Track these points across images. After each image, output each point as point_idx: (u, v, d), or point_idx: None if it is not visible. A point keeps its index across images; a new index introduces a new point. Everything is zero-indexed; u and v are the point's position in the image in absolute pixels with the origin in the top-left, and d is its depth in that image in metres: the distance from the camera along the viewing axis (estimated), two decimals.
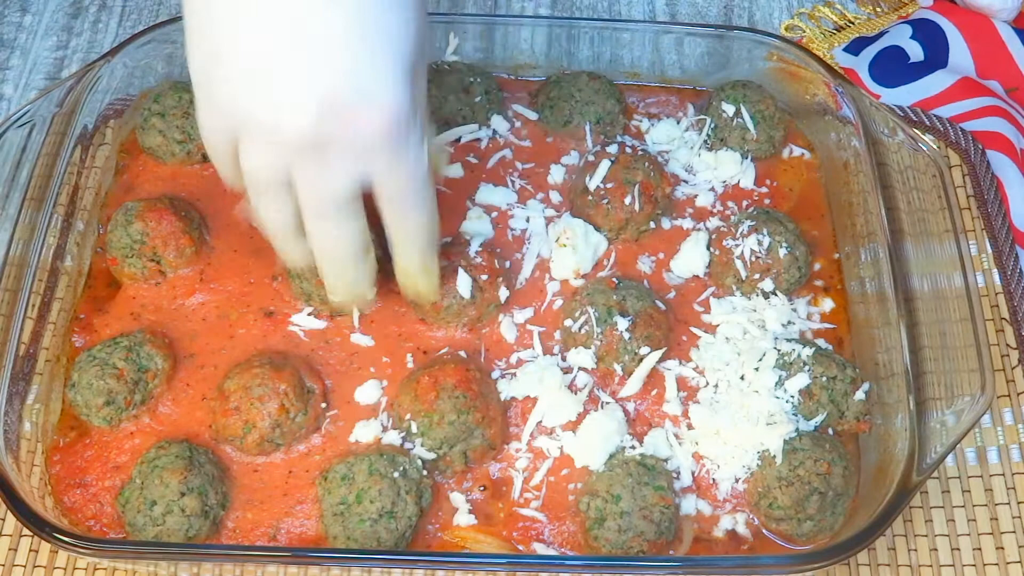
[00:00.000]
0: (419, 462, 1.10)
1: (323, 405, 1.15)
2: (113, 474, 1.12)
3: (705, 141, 1.35)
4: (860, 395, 1.15)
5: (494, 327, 1.21)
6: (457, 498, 1.11)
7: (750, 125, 1.33)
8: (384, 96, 0.92)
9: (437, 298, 1.16)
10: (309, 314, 1.21)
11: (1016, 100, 1.53)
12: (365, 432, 1.13)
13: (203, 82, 0.95)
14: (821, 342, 1.20)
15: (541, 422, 1.14)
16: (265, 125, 0.92)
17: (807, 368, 1.15)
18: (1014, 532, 1.18)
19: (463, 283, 1.17)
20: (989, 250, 1.38)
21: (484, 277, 1.19)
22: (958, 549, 1.18)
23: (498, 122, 1.35)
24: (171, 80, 1.36)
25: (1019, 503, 1.20)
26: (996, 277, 1.36)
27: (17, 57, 1.58)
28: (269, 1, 0.89)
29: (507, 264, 1.24)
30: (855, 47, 1.59)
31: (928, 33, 1.56)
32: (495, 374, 1.18)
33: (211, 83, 0.94)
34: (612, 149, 1.27)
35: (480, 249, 1.21)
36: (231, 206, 1.29)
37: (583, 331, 1.18)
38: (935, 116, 1.47)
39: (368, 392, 1.16)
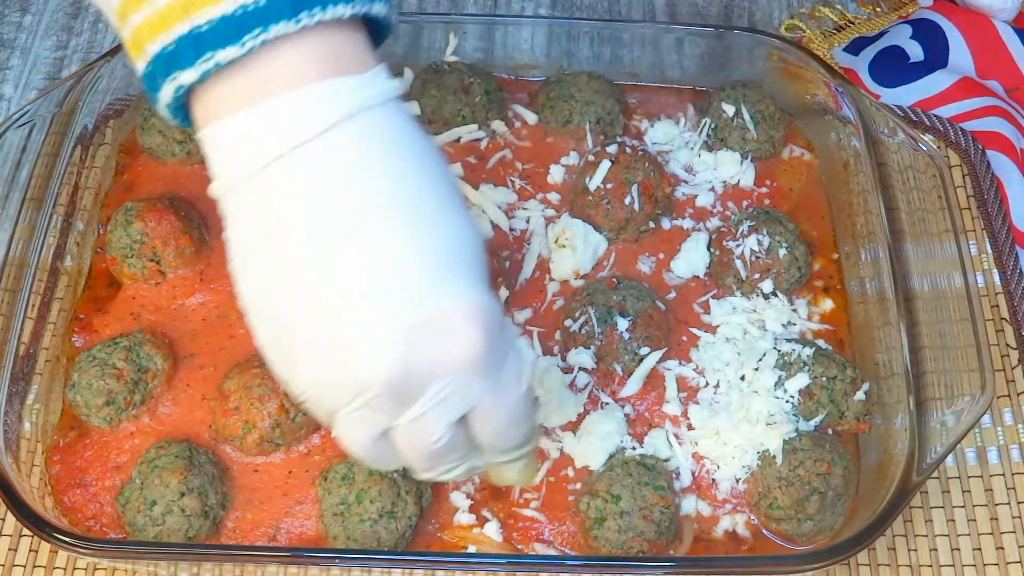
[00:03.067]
0: None
1: None
2: (113, 474, 1.12)
3: (705, 141, 1.35)
4: (860, 395, 1.15)
5: None
6: (457, 498, 1.12)
7: (750, 125, 1.33)
8: (474, 299, 0.77)
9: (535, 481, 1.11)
10: None
11: (1016, 100, 1.52)
12: None
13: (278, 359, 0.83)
14: (821, 342, 1.20)
15: (541, 423, 1.14)
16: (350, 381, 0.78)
17: (807, 368, 1.14)
18: (1014, 532, 1.18)
19: None
20: (989, 250, 1.37)
21: None
22: (958, 549, 1.18)
23: (498, 123, 1.35)
24: None
25: (1019, 503, 1.20)
26: (996, 277, 1.35)
27: (17, 57, 1.58)
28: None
29: (507, 264, 1.24)
30: (855, 47, 1.58)
31: (928, 33, 1.56)
32: None
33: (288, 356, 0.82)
34: (612, 149, 1.27)
35: None
36: None
37: (583, 331, 1.18)
38: (935, 116, 1.47)
39: None
